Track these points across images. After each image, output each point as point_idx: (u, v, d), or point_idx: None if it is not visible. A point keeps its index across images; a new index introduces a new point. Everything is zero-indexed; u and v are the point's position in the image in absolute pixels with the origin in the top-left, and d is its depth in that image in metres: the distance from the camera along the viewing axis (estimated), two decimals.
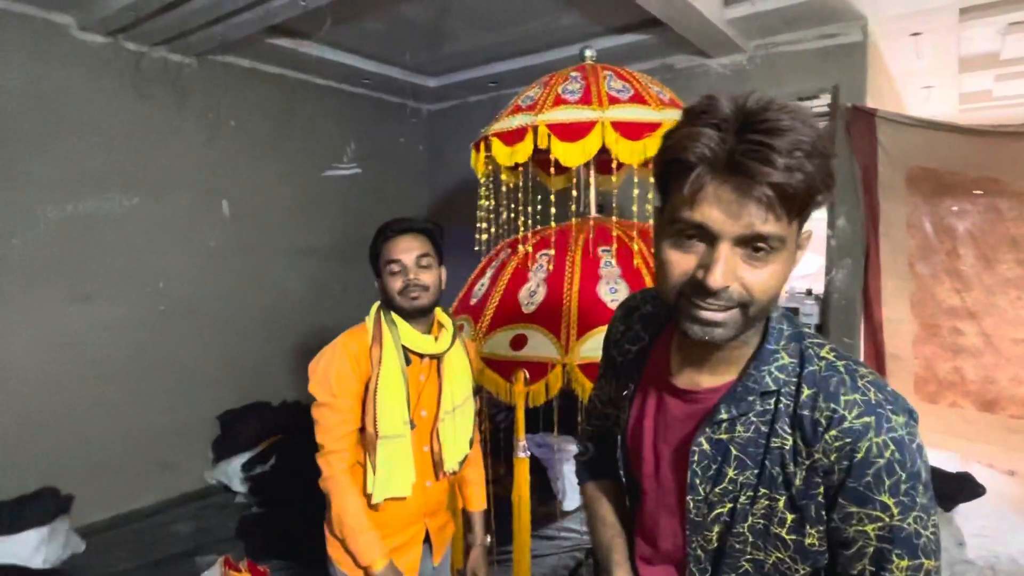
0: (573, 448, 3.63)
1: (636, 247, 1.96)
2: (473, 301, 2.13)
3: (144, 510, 3.37)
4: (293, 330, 3.98)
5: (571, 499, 3.23)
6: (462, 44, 3.74)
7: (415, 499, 1.49)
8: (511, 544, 2.02)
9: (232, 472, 3.54)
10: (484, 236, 2.09)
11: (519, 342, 1.89)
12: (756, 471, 0.77)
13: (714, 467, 0.79)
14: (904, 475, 0.71)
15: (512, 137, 1.89)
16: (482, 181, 2.11)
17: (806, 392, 0.74)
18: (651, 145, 1.75)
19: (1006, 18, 3.10)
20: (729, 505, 0.78)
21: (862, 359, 3.29)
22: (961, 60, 3.73)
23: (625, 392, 0.93)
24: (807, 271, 6.49)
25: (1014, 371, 2.96)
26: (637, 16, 3.06)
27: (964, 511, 3.00)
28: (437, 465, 1.52)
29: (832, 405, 0.73)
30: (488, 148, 1.96)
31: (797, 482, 0.74)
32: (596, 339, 1.82)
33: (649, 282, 1.89)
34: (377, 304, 1.56)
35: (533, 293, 1.95)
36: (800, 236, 0.74)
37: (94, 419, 3.20)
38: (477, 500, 1.70)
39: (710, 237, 0.69)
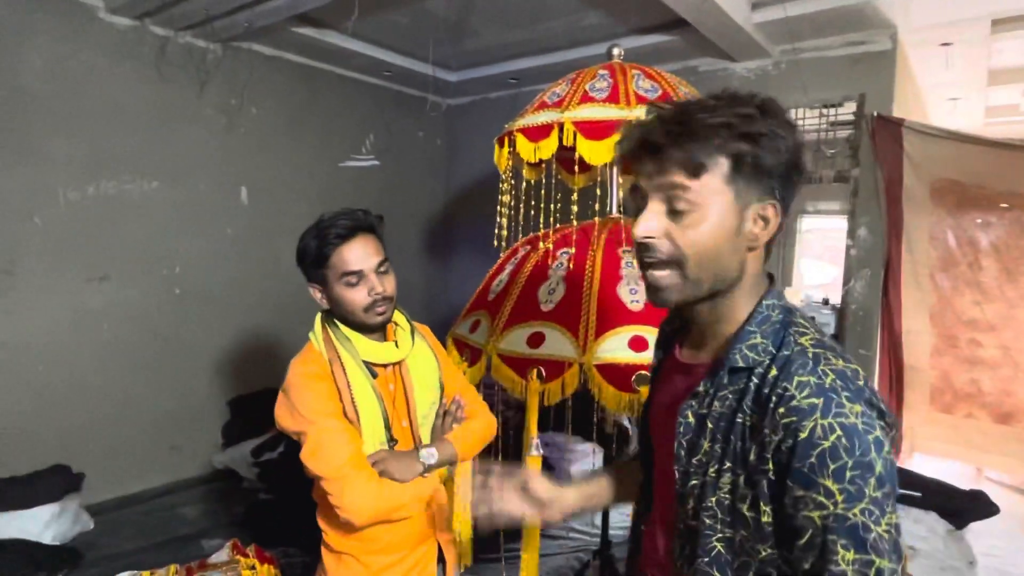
0: (582, 448, 3.62)
1: None
2: (491, 297, 2.12)
3: (153, 491, 3.40)
4: (307, 319, 3.94)
5: None
6: (484, 40, 3.73)
7: (420, 514, 1.36)
8: (519, 542, 2.01)
9: (241, 457, 3.55)
10: (504, 232, 2.08)
11: (536, 340, 1.88)
12: (723, 445, 0.79)
13: (692, 439, 0.84)
14: (851, 462, 0.70)
15: (537, 133, 1.88)
16: (504, 176, 2.10)
17: (772, 372, 0.77)
18: None
19: None
20: (701, 478, 0.81)
21: (879, 371, 3.28)
22: (990, 72, 3.68)
23: (656, 367, 1.01)
24: (823, 281, 6.45)
25: None
26: (662, 17, 3.04)
27: (976, 529, 2.96)
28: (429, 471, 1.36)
29: (785, 384, 0.74)
30: (512, 143, 1.95)
31: (751, 457, 0.76)
32: (614, 339, 1.81)
33: None
34: (319, 317, 1.38)
35: (552, 291, 1.94)
36: (752, 204, 0.80)
37: (107, 399, 3.23)
38: (460, 434, 1.43)
39: (643, 197, 0.82)
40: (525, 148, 1.90)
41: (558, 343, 1.85)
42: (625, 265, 1.92)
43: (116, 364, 3.26)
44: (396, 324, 1.44)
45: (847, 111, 3.30)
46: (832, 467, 0.70)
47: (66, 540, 2.81)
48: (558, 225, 2.19)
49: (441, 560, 1.45)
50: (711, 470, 0.80)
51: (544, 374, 1.83)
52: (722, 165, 0.78)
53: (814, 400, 0.72)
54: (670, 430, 0.87)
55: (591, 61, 2.18)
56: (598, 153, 1.76)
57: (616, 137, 1.73)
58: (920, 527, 2.85)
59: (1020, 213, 2.88)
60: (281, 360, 1.40)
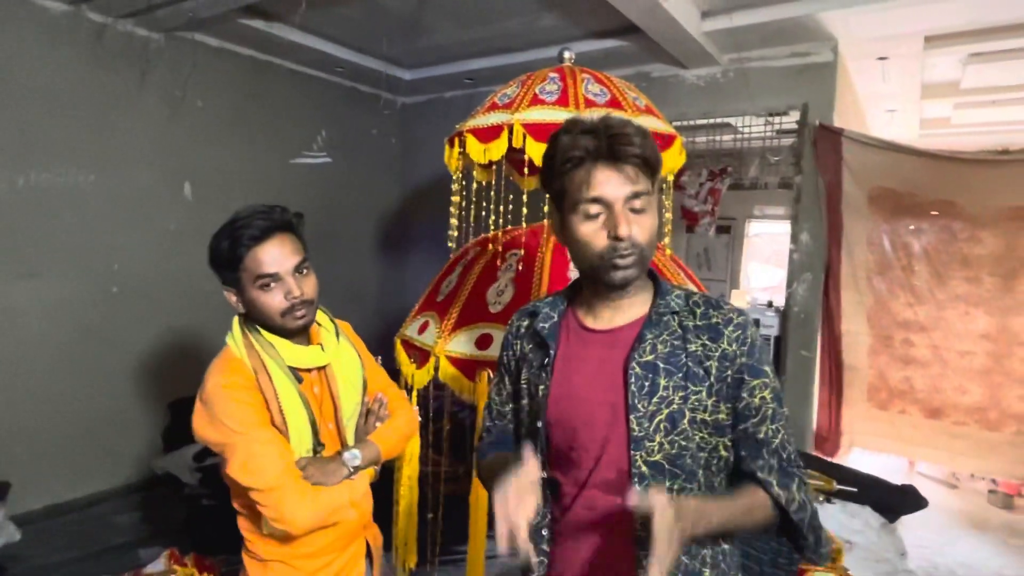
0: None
1: None
2: (439, 298, 2.10)
3: (86, 499, 3.25)
4: None
5: None
6: (439, 38, 3.71)
7: (355, 505, 1.30)
8: (466, 544, 2.00)
9: (182, 462, 3.41)
10: (455, 233, 2.07)
11: (485, 341, 1.87)
12: (681, 374, 0.98)
13: (647, 384, 0.98)
14: (766, 350, 1.02)
15: (487, 134, 1.87)
16: (455, 177, 2.08)
17: (699, 311, 1.02)
18: None
19: (967, 48, 3.22)
20: (666, 410, 0.97)
21: (819, 370, 3.41)
22: (924, 86, 3.86)
23: (546, 360, 1.07)
24: (769, 283, 6.65)
25: (959, 381, 3.09)
26: (616, 22, 3.08)
27: (906, 522, 3.10)
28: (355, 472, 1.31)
29: (723, 311, 1.02)
30: (462, 144, 1.94)
31: (713, 371, 0.98)
32: None
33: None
34: (237, 321, 1.30)
35: (501, 293, 1.93)
36: (661, 200, 1.07)
37: (35, 402, 3.07)
38: (382, 433, 1.39)
39: (607, 204, 0.96)
40: (475, 149, 1.89)
41: None
42: (573, 267, 1.93)
43: (45, 365, 3.10)
44: (319, 324, 1.37)
45: (791, 120, 3.41)
46: (764, 356, 1.01)
47: None
48: (508, 227, 2.19)
49: (368, 556, 1.43)
50: (676, 398, 0.97)
51: (493, 376, 1.83)
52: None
53: (743, 317, 1.02)
54: (608, 392, 1.00)
55: (546, 63, 2.19)
56: None
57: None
58: (856, 521, 2.96)
59: (949, 220, 3.03)
60: None
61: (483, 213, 2.17)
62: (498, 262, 2.03)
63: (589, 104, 1.84)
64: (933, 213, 3.06)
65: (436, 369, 1.94)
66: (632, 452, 0.98)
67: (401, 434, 1.44)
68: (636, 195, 0.96)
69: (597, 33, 3.41)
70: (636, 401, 0.97)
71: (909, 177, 3.04)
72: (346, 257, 4.47)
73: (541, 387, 1.07)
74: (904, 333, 3.23)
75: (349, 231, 4.53)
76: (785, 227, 4.43)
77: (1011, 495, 3.90)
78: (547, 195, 1.06)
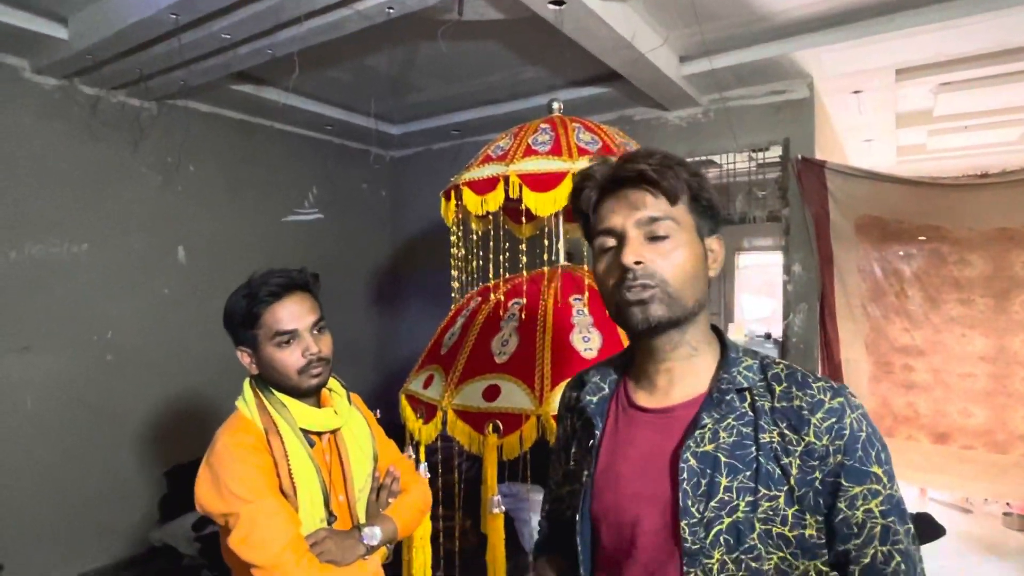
0: (540, 498, 3.56)
1: None
2: (443, 351, 2.09)
3: None
4: None
5: None
6: (426, 94, 3.80)
7: None
8: None
9: (181, 532, 3.32)
10: (457, 284, 2.08)
11: (492, 393, 1.86)
12: (750, 472, 0.77)
13: (704, 482, 0.79)
14: (880, 445, 0.79)
15: (483, 186, 1.90)
16: (452, 229, 2.10)
17: (779, 388, 0.82)
18: None
19: (937, 79, 3.34)
20: (728, 520, 0.77)
21: None
22: (898, 116, 3.98)
23: (591, 442, 0.91)
24: (762, 315, 6.69)
25: (962, 404, 3.08)
26: (597, 70, 3.17)
27: (924, 552, 3.04)
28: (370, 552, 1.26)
29: (809, 391, 0.80)
30: (459, 197, 1.96)
31: (794, 471, 0.77)
32: None
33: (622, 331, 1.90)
34: (248, 382, 1.28)
35: (505, 342, 1.93)
36: (705, 237, 0.88)
37: (27, 480, 2.97)
38: (398, 509, 1.34)
39: (619, 235, 0.84)
40: (472, 201, 1.92)
41: (514, 395, 1.83)
42: (576, 313, 1.94)
43: (39, 440, 3.02)
44: (330, 390, 1.35)
45: (774, 155, 3.49)
46: (873, 454, 0.77)
47: None
48: (508, 275, 2.20)
49: None
50: (743, 504, 0.77)
51: (501, 428, 1.80)
52: (685, 198, 0.86)
53: (839, 399, 0.79)
54: (657, 488, 0.82)
55: (531, 112, 2.25)
56: (544, 204, 1.79)
57: (564, 187, 1.78)
58: None
59: (937, 244, 3.08)
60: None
61: (481, 263, 2.19)
62: (500, 311, 2.03)
63: (582, 152, 1.88)
64: (921, 238, 3.11)
65: (444, 423, 1.91)
66: (685, 568, 0.78)
67: (417, 510, 1.39)
68: (653, 219, 0.83)
69: (579, 81, 3.50)
70: (689, 503, 0.78)
71: (894, 204, 3.10)
72: (341, 314, 4.43)
73: (585, 474, 0.91)
74: (903, 359, 3.23)
75: (343, 288, 4.53)
76: (774, 257, 4.49)
77: None
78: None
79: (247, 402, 1.25)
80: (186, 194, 3.63)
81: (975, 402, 3.06)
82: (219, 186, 3.81)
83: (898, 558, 0.75)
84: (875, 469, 0.77)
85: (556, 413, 1.77)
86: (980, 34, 2.67)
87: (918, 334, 3.19)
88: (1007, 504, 3.87)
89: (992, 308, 3.00)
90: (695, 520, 0.78)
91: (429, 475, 2.05)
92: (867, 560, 0.75)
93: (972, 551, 3.55)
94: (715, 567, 0.77)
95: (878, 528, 0.75)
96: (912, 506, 3.49)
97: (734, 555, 0.76)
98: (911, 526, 0.78)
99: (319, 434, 1.28)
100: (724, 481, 0.78)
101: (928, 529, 3.03)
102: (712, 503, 0.78)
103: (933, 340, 3.16)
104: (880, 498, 0.76)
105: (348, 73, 3.40)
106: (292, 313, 1.22)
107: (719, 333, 0.91)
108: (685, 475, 0.79)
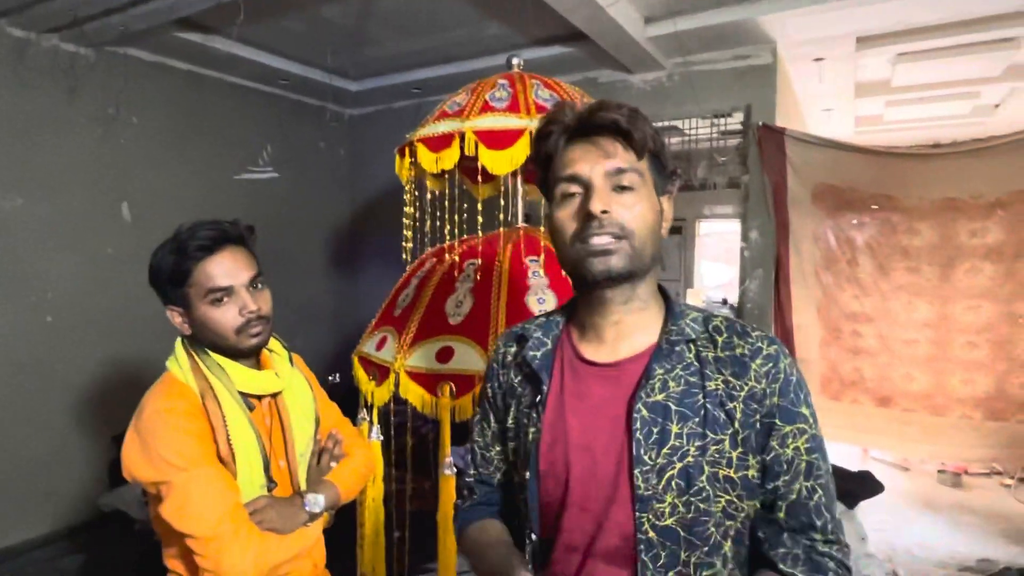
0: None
1: None
2: (396, 312, 2.05)
3: (27, 544, 3.03)
4: None
5: None
6: (385, 49, 3.66)
7: (306, 554, 1.20)
8: (435, 562, 1.95)
9: (132, 497, 3.24)
10: (409, 245, 2.02)
11: (445, 354, 1.83)
12: (698, 419, 0.81)
13: (656, 430, 0.81)
14: (806, 388, 0.85)
15: (438, 143, 1.84)
16: (407, 188, 2.04)
17: (720, 339, 0.85)
18: None
19: (896, 48, 3.37)
20: (679, 464, 0.80)
21: None
22: (857, 85, 4.02)
23: (538, 397, 0.90)
24: (722, 281, 6.81)
25: (905, 369, 3.20)
26: (562, 29, 3.09)
27: (864, 507, 3.20)
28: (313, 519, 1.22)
29: (748, 339, 0.85)
30: (413, 154, 1.90)
31: (738, 415, 0.81)
32: None
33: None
34: (181, 342, 1.20)
35: (460, 304, 1.90)
36: (662, 191, 0.89)
37: None
38: (340, 474, 1.29)
39: (584, 184, 0.83)
40: (427, 158, 1.86)
41: (468, 357, 1.81)
42: (532, 275, 1.92)
43: None
44: (271, 351, 1.28)
45: (736, 121, 3.49)
46: (802, 395, 0.83)
47: None
48: (464, 236, 2.16)
49: None
50: (693, 449, 0.80)
51: (455, 389, 1.79)
52: (648, 154, 0.86)
53: (774, 347, 0.85)
54: (610, 439, 0.84)
55: (494, 71, 2.17)
56: (500, 163, 1.74)
57: (521, 146, 1.73)
58: None
59: (888, 214, 3.15)
60: None
61: (438, 223, 2.14)
62: (455, 272, 1.99)
63: (540, 110, 1.83)
64: (873, 207, 3.17)
65: (396, 385, 1.88)
66: (637, 514, 0.80)
67: (360, 475, 1.34)
68: (620, 171, 0.83)
69: (543, 40, 3.42)
70: (642, 452, 0.81)
71: (849, 173, 3.15)
72: (297, 275, 4.33)
73: (531, 430, 0.90)
74: (852, 325, 3.33)
75: (299, 248, 4.40)
76: (734, 226, 4.54)
77: (959, 474, 4.07)
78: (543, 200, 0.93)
79: (180, 364, 1.17)
80: (129, 148, 3.45)
81: (917, 367, 3.18)
82: (165, 140, 3.63)
83: (820, 492, 0.82)
84: (803, 410, 0.83)
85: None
86: (942, 3, 2.68)
87: (867, 301, 3.28)
88: (942, 463, 4.08)
89: (937, 276, 3.10)
90: (648, 467, 0.81)
91: (382, 438, 2.03)
92: (793, 496, 0.82)
93: (909, 506, 3.75)
94: (667, 510, 0.80)
95: (803, 464, 0.82)
96: (854, 465, 3.65)
97: (684, 498, 0.80)
98: (831, 465, 0.85)
99: (259, 397, 1.22)
100: (675, 428, 0.81)
101: (868, 486, 3.17)
102: (664, 450, 0.81)
103: (881, 307, 3.25)
104: (806, 436, 0.82)
105: (302, 23, 3.24)
106: (226, 269, 1.14)
107: (663, 289, 0.93)
108: (638, 425, 0.82)
